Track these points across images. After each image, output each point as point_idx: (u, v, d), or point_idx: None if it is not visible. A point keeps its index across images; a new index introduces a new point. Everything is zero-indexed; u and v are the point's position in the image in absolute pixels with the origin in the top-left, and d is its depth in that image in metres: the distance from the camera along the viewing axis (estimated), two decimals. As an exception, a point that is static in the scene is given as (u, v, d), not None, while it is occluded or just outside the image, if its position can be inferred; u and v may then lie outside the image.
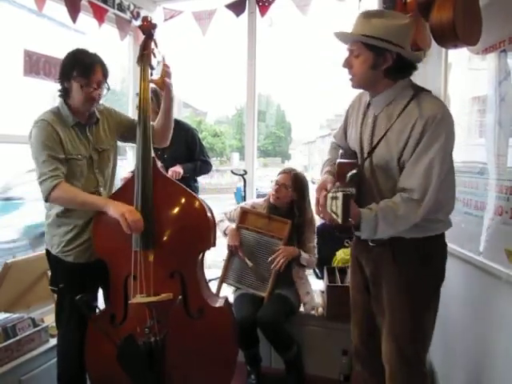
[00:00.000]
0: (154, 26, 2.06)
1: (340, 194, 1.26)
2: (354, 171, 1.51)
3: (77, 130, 1.94)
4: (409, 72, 1.57)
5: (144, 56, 2.04)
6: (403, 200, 1.48)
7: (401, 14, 1.62)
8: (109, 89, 1.97)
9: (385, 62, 1.50)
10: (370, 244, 1.66)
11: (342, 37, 1.58)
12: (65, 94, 1.92)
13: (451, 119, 1.51)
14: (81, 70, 1.85)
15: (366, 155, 1.63)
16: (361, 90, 1.73)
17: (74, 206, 1.91)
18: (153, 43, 2.06)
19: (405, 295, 1.61)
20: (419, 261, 1.60)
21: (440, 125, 1.46)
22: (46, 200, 1.85)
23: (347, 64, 1.57)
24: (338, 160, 1.63)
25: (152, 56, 2.05)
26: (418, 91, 1.55)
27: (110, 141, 2.06)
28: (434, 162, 1.46)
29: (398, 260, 1.61)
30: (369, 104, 1.67)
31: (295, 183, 2.61)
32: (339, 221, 1.27)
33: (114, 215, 1.82)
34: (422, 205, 1.48)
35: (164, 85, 2.03)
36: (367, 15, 1.52)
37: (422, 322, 1.64)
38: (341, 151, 1.78)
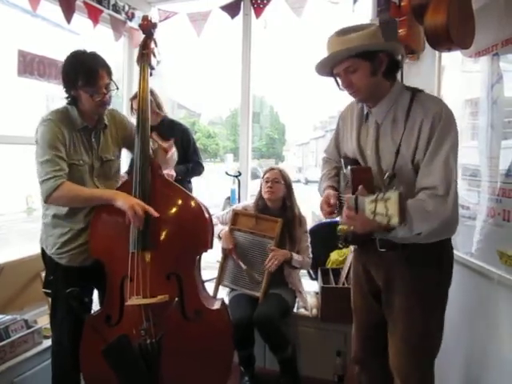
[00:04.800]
0: (153, 26, 2.06)
1: (394, 194, 1.20)
2: (391, 172, 1.51)
3: (82, 134, 1.91)
4: (398, 68, 1.61)
5: (144, 55, 2.03)
6: (429, 197, 1.45)
7: (366, 24, 1.64)
8: (117, 88, 1.94)
9: (382, 64, 1.53)
10: (380, 249, 1.63)
11: (335, 57, 1.53)
12: (73, 101, 1.89)
13: (453, 113, 1.53)
14: (85, 78, 1.80)
15: (375, 165, 1.61)
16: (348, 102, 1.76)
17: (78, 203, 1.87)
18: (153, 43, 2.05)
19: (419, 298, 1.60)
20: (431, 263, 1.59)
21: (446, 121, 1.49)
22: (46, 201, 1.81)
23: (347, 84, 1.56)
24: (350, 167, 1.61)
25: (152, 56, 2.04)
26: (414, 91, 1.58)
27: (115, 151, 2.03)
28: (449, 156, 1.47)
29: (411, 263, 1.59)
30: (367, 115, 1.67)
31: (284, 178, 2.70)
32: (395, 221, 1.21)
33: (123, 207, 1.80)
34: (448, 199, 1.47)
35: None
36: (341, 33, 1.53)
37: (434, 325, 1.64)
38: (342, 160, 1.76)
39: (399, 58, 1.60)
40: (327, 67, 1.59)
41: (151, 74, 2.06)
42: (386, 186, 1.49)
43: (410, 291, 1.61)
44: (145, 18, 2.06)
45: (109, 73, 1.88)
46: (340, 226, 1.66)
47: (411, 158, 1.53)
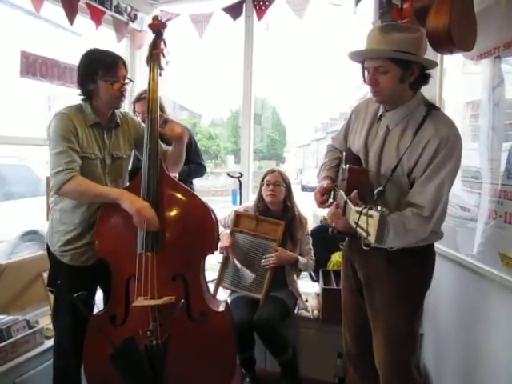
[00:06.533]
0: (163, 26, 2.06)
1: (376, 214, 1.21)
2: (381, 188, 1.51)
3: (95, 130, 1.94)
4: (427, 81, 1.60)
5: (153, 55, 2.03)
6: (413, 215, 1.50)
7: (413, 27, 1.64)
8: (132, 81, 1.99)
9: (412, 75, 1.53)
10: (364, 247, 1.67)
11: (371, 54, 1.55)
12: (89, 96, 1.92)
13: (461, 141, 1.56)
14: (106, 68, 1.86)
15: (374, 168, 1.65)
16: (363, 97, 1.77)
17: (86, 198, 1.89)
18: (162, 43, 2.06)
19: (398, 297, 1.64)
20: (412, 264, 1.63)
21: (452, 147, 1.51)
22: (57, 192, 1.83)
23: (372, 82, 1.56)
24: (349, 165, 1.63)
25: (161, 56, 2.04)
26: (431, 108, 1.59)
27: (126, 150, 2.05)
28: (445, 182, 1.51)
29: (392, 262, 1.63)
30: (380, 116, 1.69)
31: (284, 180, 2.69)
32: (371, 240, 1.24)
33: (129, 209, 1.81)
34: (431, 222, 1.52)
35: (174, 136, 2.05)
36: (386, 30, 1.52)
37: (413, 324, 1.68)
38: (344, 154, 1.80)
39: (429, 71, 1.60)
40: (360, 58, 1.60)
41: (161, 75, 2.06)
42: (375, 200, 1.48)
43: (390, 290, 1.65)
44: (155, 18, 2.06)
45: (125, 66, 1.94)
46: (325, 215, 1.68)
47: (408, 172, 1.57)
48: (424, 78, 1.58)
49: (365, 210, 1.25)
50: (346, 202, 1.43)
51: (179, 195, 2.00)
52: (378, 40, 1.52)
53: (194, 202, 2.00)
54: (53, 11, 2.80)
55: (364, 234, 1.26)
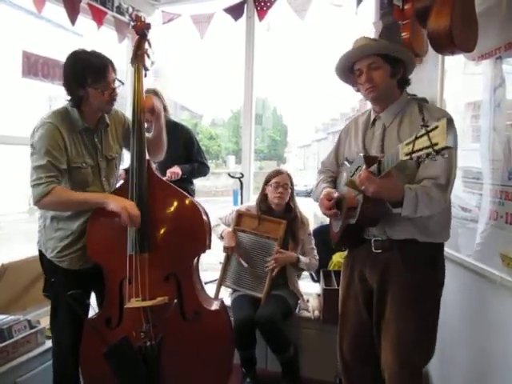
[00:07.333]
0: (147, 26, 2.02)
1: (442, 121, 1.20)
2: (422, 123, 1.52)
3: (84, 135, 1.90)
4: (409, 82, 1.77)
5: (138, 56, 2.01)
6: (433, 185, 1.56)
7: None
8: (123, 83, 1.94)
9: (399, 73, 1.70)
10: (375, 251, 1.70)
11: (364, 49, 1.67)
12: (78, 101, 1.86)
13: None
14: (94, 75, 1.80)
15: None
16: (363, 98, 1.81)
17: (69, 208, 1.86)
18: (146, 43, 2.03)
19: (412, 299, 1.64)
20: (426, 263, 1.66)
21: (450, 123, 1.54)
22: (34, 204, 1.78)
23: (367, 78, 1.67)
24: (362, 154, 1.67)
25: (146, 57, 2.02)
26: (420, 102, 1.74)
27: (118, 148, 2.03)
28: (452, 151, 1.54)
29: (407, 263, 1.65)
30: (374, 121, 1.78)
31: (291, 181, 2.71)
32: (443, 144, 1.20)
33: (115, 209, 1.79)
34: (448, 189, 1.58)
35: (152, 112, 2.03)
36: (370, 38, 1.75)
37: (427, 327, 1.68)
38: (345, 162, 1.83)
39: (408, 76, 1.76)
40: (351, 61, 1.71)
41: (145, 75, 2.04)
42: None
43: (404, 292, 1.65)
44: (138, 19, 2.03)
45: (114, 68, 1.89)
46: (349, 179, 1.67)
47: None
48: (405, 81, 1.76)
49: (421, 132, 1.24)
50: (380, 162, 1.47)
51: (168, 195, 2.00)
52: (366, 42, 1.70)
53: (184, 202, 2.01)
54: (54, 11, 2.80)
55: (428, 151, 1.23)
